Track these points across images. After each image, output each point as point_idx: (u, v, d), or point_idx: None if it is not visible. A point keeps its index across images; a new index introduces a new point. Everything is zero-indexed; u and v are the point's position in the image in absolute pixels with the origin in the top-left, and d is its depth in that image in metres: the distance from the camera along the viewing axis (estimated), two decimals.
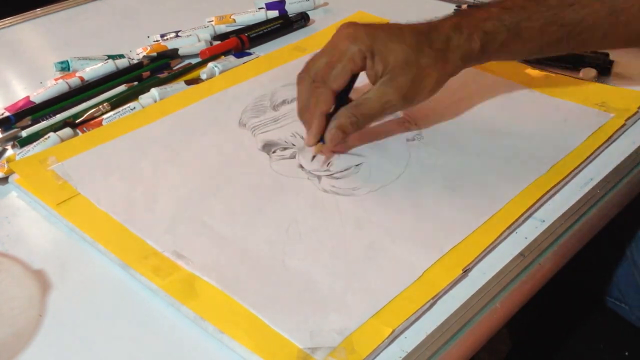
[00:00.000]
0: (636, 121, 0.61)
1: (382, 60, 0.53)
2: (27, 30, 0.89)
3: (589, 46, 0.60)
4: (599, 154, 0.57)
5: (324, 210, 0.51)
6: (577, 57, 0.69)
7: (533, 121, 0.61)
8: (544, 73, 0.69)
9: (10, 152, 0.62)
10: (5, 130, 0.64)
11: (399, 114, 0.63)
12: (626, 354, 0.69)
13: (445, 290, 0.44)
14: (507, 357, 0.77)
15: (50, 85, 0.70)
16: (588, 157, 0.56)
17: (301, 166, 0.56)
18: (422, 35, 0.55)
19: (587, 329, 0.72)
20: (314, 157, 0.57)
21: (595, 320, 0.74)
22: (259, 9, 0.86)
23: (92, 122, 0.65)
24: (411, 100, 0.55)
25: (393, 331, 0.41)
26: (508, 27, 0.55)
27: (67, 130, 0.63)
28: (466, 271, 0.46)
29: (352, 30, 0.54)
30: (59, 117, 0.65)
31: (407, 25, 0.56)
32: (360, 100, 0.54)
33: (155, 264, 0.47)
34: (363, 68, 0.54)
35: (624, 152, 0.57)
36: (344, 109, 0.54)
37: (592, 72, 0.67)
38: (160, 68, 0.74)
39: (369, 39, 0.53)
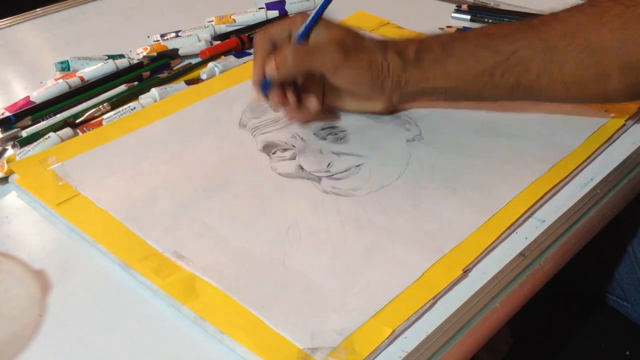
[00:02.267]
0: (636, 121, 0.61)
1: (324, 29, 0.56)
2: (27, 30, 0.89)
3: (526, 86, 0.55)
4: (599, 154, 0.57)
5: (324, 211, 0.51)
6: None
7: (533, 121, 0.61)
8: None
9: (10, 152, 0.62)
10: (5, 130, 0.64)
11: (401, 115, 0.63)
12: (627, 353, 0.69)
13: (446, 291, 0.44)
14: (508, 355, 0.77)
15: (51, 85, 0.70)
16: (588, 157, 0.56)
17: (301, 167, 0.56)
18: (363, 33, 0.59)
19: (588, 328, 0.72)
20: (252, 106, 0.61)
21: (597, 319, 0.74)
22: (259, 9, 0.86)
23: (92, 122, 0.65)
24: (347, 58, 0.55)
25: (393, 331, 0.41)
26: (442, 43, 0.57)
27: (67, 130, 0.63)
28: (466, 271, 0.46)
29: (303, 12, 0.59)
30: (59, 117, 0.65)
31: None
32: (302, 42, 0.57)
33: (155, 264, 0.47)
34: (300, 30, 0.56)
35: (624, 152, 0.58)
36: (288, 46, 0.56)
37: None
38: (160, 68, 0.74)
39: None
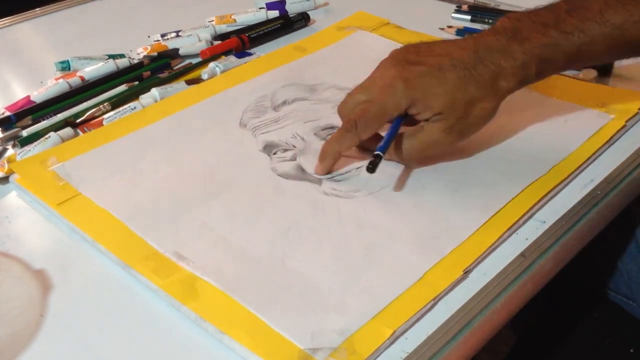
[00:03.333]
0: (636, 122, 0.61)
1: (427, 108, 0.51)
2: (27, 30, 0.89)
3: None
4: (599, 155, 0.57)
5: (325, 213, 0.51)
6: None
7: (533, 122, 0.61)
8: None
9: (10, 151, 0.62)
10: (5, 129, 0.64)
11: None
12: (631, 350, 0.69)
13: (446, 291, 0.44)
14: (508, 355, 0.77)
15: (51, 85, 0.70)
16: (588, 158, 0.56)
17: (302, 168, 0.56)
18: (466, 70, 0.51)
19: (591, 325, 0.72)
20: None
21: (600, 317, 0.74)
22: (260, 8, 0.86)
23: (92, 121, 0.65)
24: (462, 135, 0.53)
25: (394, 332, 0.41)
26: (567, 53, 0.52)
27: (68, 130, 0.63)
28: (467, 272, 0.46)
29: (390, 80, 0.52)
30: (60, 116, 0.65)
31: (448, 57, 0.52)
32: (406, 141, 0.53)
33: (156, 264, 0.47)
34: (403, 114, 0.53)
35: (624, 153, 0.58)
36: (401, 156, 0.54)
37: (593, 73, 0.67)
38: (160, 68, 0.74)
39: (407, 90, 0.51)
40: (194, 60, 0.76)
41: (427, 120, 0.52)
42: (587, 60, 0.56)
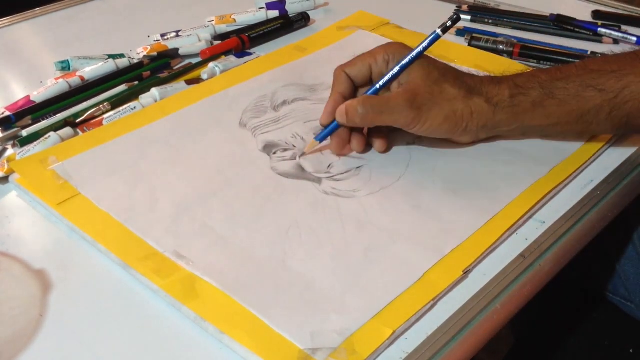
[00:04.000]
0: None
1: (406, 71, 0.53)
2: (27, 30, 0.89)
3: (635, 122, 0.53)
4: (599, 156, 0.57)
5: (325, 212, 0.51)
6: (578, 58, 0.69)
7: None
8: None
9: (10, 151, 0.62)
10: (5, 129, 0.64)
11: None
12: (631, 351, 0.69)
13: (446, 292, 0.44)
14: (508, 356, 0.77)
15: (51, 85, 0.70)
16: (588, 159, 0.56)
17: (302, 167, 0.56)
18: (452, 71, 0.54)
19: (590, 325, 0.72)
20: (303, 153, 0.57)
21: (599, 317, 0.74)
22: (260, 8, 0.86)
23: (92, 121, 0.65)
24: (419, 115, 0.52)
25: (394, 332, 0.41)
26: (541, 84, 0.53)
27: (68, 130, 0.63)
28: (467, 272, 0.46)
29: (390, 42, 0.57)
30: (60, 116, 0.65)
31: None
32: (374, 96, 0.55)
33: (155, 264, 0.47)
34: (381, 68, 0.55)
35: (623, 154, 0.58)
36: (360, 97, 0.55)
37: None
38: (160, 68, 0.74)
39: (399, 50, 0.55)
40: (194, 60, 0.76)
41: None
42: (563, 100, 0.52)
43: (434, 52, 0.73)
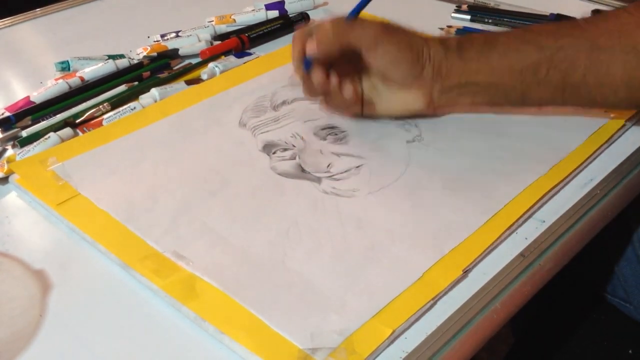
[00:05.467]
0: (636, 122, 0.61)
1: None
2: (27, 30, 0.89)
3: (571, 85, 0.54)
4: (599, 155, 0.57)
5: (325, 212, 0.51)
6: None
7: (533, 122, 0.61)
8: None
9: (10, 152, 0.62)
10: (5, 130, 0.64)
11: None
12: (630, 351, 0.69)
13: (446, 291, 0.44)
14: (508, 355, 0.77)
15: (51, 85, 0.70)
16: (588, 158, 0.56)
17: (301, 167, 0.56)
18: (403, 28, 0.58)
19: (590, 326, 0.72)
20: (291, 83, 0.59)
21: (599, 317, 0.74)
22: (259, 9, 0.86)
23: (92, 122, 0.65)
24: (386, 33, 0.55)
25: (393, 332, 0.41)
26: (486, 37, 0.56)
27: (68, 130, 0.63)
28: (466, 272, 0.46)
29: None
30: (59, 117, 0.65)
31: None
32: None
33: (155, 264, 0.47)
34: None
35: (624, 153, 0.58)
36: (327, 19, 0.56)
37: None
38: (160, 68, 0.74)
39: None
40: (194, 61, 0.76)
41: None
42: (503, 52, 0.55)
43: None
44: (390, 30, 0.55)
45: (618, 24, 0.53)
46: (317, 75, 0.57)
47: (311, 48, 0.55)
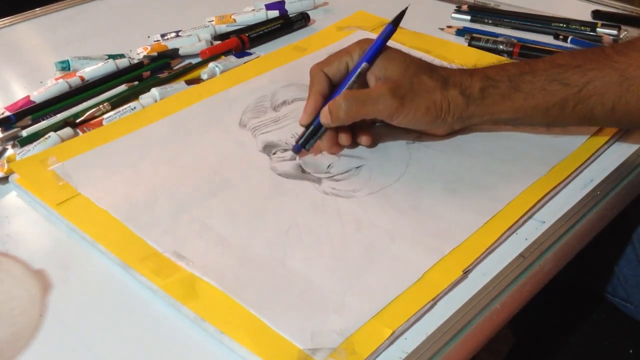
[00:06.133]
0: None
1: (382, 65, 0.54)
2: (27, 30, 0.89)
3: (599, 117, 0.54)
4: (599, 156, 0.57)
5: (325, 212, 0.51)
6: None
7: None
8: None
9: (10, 151, 0.62)
10: (5, 129, 0.64)
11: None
12: (630, 351, 0.69)
13: (446, 292, 0.44)
14: (508, 355, 0.77)
15: (51, 85, 0.70)
16: (588, 159, 0.56)
17: (301, 168, 0.56)
18: (427, 64, 0.56)
19: (590, 326, 0.72)
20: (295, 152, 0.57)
21: (599, 317, 0.74)
22: (259, 9, 0.86)
23: (92, 121, 0.65)
24: (402, 105, 0.53)
25: (393, 332, 0.41)
26: (510, 77, 0.54)
27: (68, 130, 0.63)
28: (466, 272, 0.46)
29: (364, 38, 0.57)
30: (60, 116, 0.65)
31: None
32: (355, 90, 0.55)
33: (155, 264, 0.47)
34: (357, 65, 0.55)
35: (623, 154, 0.58)
36: (341, 93, 0.55)
37: None
38: (160, 68, 0.74)
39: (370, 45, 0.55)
40: (194, 60, 0.76)
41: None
42: (529, 94, 0.54)
43: (434, 52, 0.73)
44: (403, 100, 0.53)
45: None
46: (329, 141, 0.56)
47: (324, 120, 0.54)
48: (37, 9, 0.92)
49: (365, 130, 0.58)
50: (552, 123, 0.57)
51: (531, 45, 0.75)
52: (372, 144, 0.58)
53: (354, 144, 0.58)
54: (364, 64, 0.54)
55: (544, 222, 0.50)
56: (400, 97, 0.53)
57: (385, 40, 0.55)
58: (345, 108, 0.53)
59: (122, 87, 0.70)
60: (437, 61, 0.65)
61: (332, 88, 0.57)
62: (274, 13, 0.85)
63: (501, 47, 0.74)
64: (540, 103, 0.54)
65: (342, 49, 0.57)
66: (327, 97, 0.56)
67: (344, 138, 0.57)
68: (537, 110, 0.54)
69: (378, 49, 0.55)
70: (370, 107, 0.53)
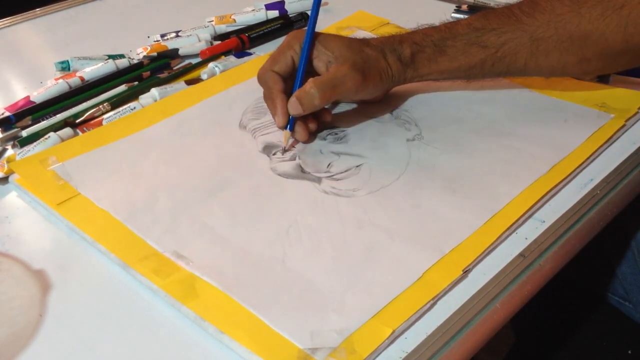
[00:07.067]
0: (636, 122, 0.61)
1: (326, 48, 0.58)
2: (27, 30, 0.89)
3: (513, 72, 0.61)
4: (599, 155, 0.57)
5: (325, 212, 0.51)
6: None
7: (533, 121, 0.61)
8: None
9: (10, 152, 0.62)
10: (5, 130, 0.64)
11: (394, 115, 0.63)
12: (629, 352, 0.69)
13: (446, 291, 0.44)
14: (508, 355, 0.77)
15: (51, 85, 0.70)
16: (588, 158, 0.56)
17: (301, 168, 0.56)
18: (360, 39, 0.61)
19: (589, 327, 0.72)
20: (285, 149, 0.59)
21: (598, 318, 0.74)
22: (259, 9, 0.86)
23: (92, 122, 0.65)
24: (365, 78, 0.57)
25: (393, 332, 0.41)
26: (435, 42, 0.60)
27: (68, 130, 0.63)
28: (466, 272, 0.46)
29: (295, 30, 0.63)
30: (59, 116, 0.65)
31: None
32: (321, 76, 0.58)
33: (155, 264, 0.47)
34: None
35: (624, 153, 0.57)
36: (307, 82, 0.57)
37: None
38: (160, 68, 0.75)
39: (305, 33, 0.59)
40: (194, 61, 0.76)
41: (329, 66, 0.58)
42: (453, 56, 0.59)
43: None
44: (364, 74, 0.57)
45: (553, 15, 0.57)
46: (302, 131, 0.59)
47: (296, 111, 0.57)
48: (37, 9, 0.93)
49: (322, 110, 0.60)
50: (472, 78, 0.64)
51: None
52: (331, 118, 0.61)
53: (321, 123, 0.61)
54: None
55: (544, 221, 0.50)
56: (361, 72, 0.57)
57: (317, 15, 0.61)
58: (319, 94, 0.56)
59: (122, 87, 0.70)
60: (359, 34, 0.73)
61: (286, 83, 0.59)
62: (274, 13, 0.85)
63: None
64: (463, 64, 0.60)
65: (280, 46, 0.60)
66: (287, 94, 0.58)
67: (312, 125, 0.59)
68: (460, 70, 0.61)
69: (314, 23, 0.60)
70: (340, 87, 0.57)
